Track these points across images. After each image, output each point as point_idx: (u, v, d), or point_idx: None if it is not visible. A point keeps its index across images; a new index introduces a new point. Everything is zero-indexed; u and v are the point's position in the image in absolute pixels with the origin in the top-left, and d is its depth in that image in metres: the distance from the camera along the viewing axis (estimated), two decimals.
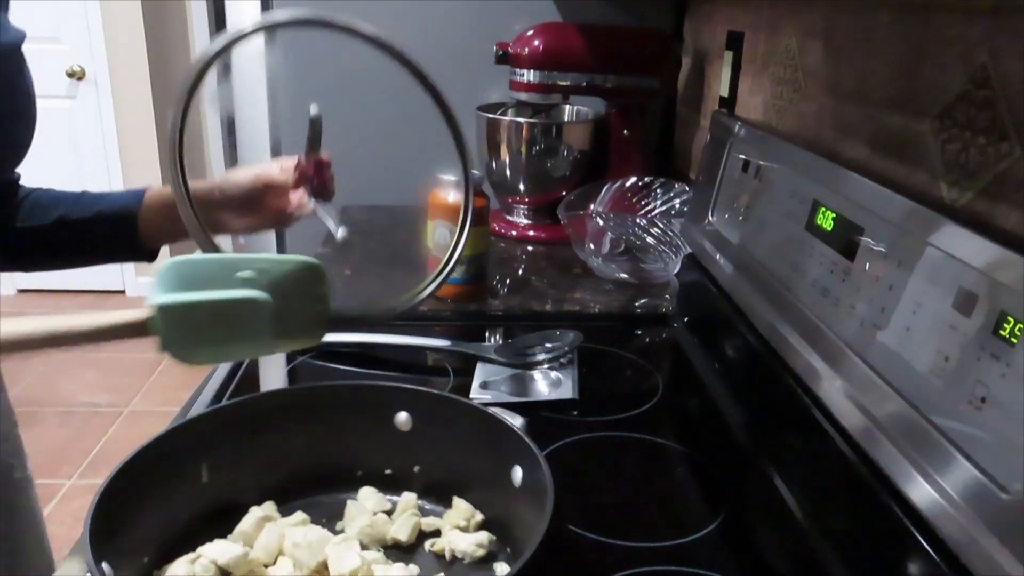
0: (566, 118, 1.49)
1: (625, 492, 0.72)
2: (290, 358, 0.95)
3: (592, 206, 1.26)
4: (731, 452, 0.79)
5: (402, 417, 0.66)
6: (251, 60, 1.48)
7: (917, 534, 0.54)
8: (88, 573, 0.46)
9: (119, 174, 3.51)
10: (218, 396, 0.84)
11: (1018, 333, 0.48)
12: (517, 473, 0.59)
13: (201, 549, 0.56)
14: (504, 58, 1.31)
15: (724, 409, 0.87)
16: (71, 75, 3.32)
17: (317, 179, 0.88)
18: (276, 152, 1.56)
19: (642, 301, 1.13)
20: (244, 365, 0.91)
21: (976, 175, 0.61)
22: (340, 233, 0.82)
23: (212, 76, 0.70)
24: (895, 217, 0.63)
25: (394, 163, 1.58)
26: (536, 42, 1.28)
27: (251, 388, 0.90)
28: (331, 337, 0.86)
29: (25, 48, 0.77)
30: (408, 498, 0.64)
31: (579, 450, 0.77)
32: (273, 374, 0.94)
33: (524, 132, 1.34)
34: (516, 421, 0.63)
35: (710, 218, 1.03)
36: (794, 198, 0.81)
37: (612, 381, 0.93)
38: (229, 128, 1.69)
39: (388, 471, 0.66)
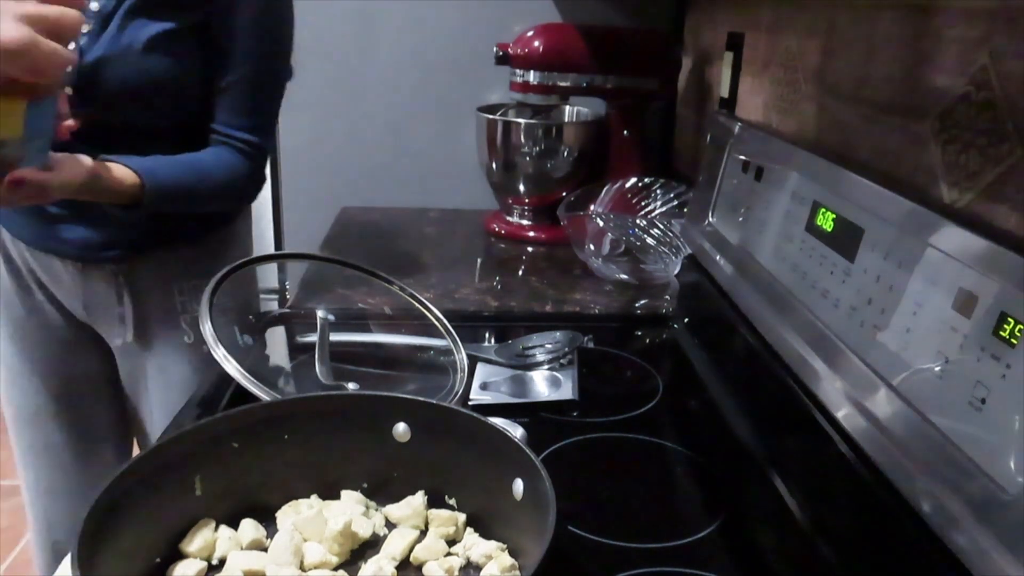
0: (566, 119, 1.49)
1: (625, 493, 0.72)
2: (292, 356, 0.96)
3: (592, 207, 1.26)
4: (731, 453, 0.79)
5: (400, 428, 0.65)
6: None
7: (917, 535, 0.54)
8: None
9: None
10: (217, 399, 0.83)
11: (1018, 334, 0.48)
12: (518, 486, 0.58)
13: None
14: (504, 59, 1.31)
15: (724, 410, 0.87)
16: None
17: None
18: (274, 154, 1.56)
19: (642, 302, 1.13)
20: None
21: (976, 176, 0.61)
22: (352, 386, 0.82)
23: None
24: (895, 218, 0.63)
25: (394, 164, 1.58)
26: (536, 43, 1.28)
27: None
28: (331, 337, 0.86)
29: None
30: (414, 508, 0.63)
31: (579, 451, 0.77)
32: (279, 371, 0.94)
33: (524, 133, 1.34)
34: (517, 432, 0.63)
35: (710, 219, 1.03)
36: (794, 199, 0.81)
37: (612, 382, 0.93)
38: None
39: (386, 483, 0.65)
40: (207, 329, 0.74)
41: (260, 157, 1.03)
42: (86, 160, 0.84)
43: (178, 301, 1.07)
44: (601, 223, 1.20)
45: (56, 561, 1.18)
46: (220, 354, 0.73)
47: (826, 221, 0.73)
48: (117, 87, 0.92)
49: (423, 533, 0.61)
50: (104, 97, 0.92)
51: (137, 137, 0.95)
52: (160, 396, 1.10)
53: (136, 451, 1.26)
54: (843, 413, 0.65)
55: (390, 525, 0.62)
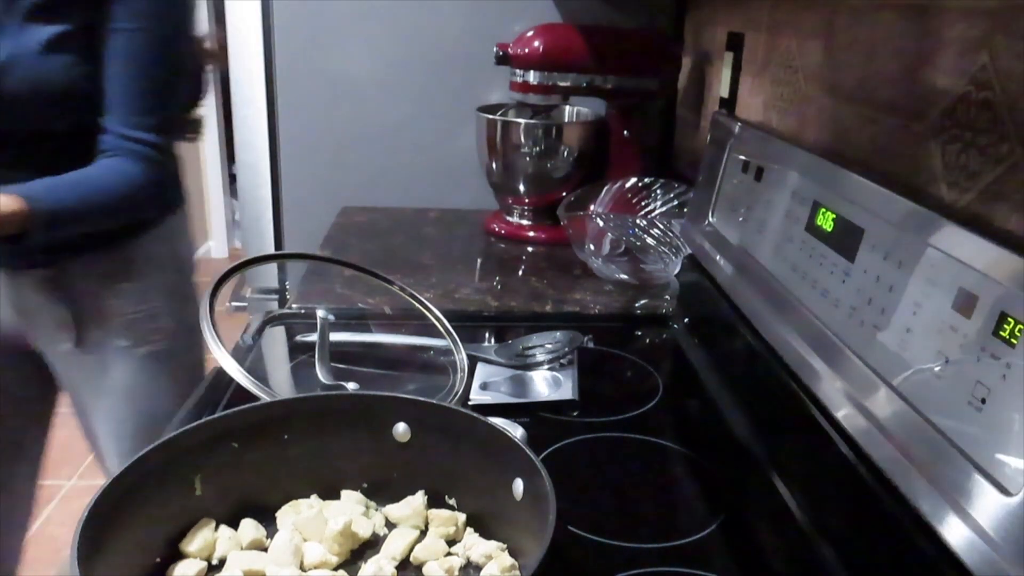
0: (566, 119, 1.49)
1: (625, 493, 0.72)
2: (292, 356, 0.96)
3: (592, 207, 1.26)
4: (731, 452, 0.79)
5: (400, 428, 0.64)
6: (250, 57, 1.48)
7: (917, 535, 0.54)
8: None
9: None
10: (217, 399, 0.84)
11: (1018, 334, 0.48)
12: (518, 486, 0.58)
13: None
14: (504, 59, 1.31)
15: (724, 410, 0.87)
16: None
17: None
18: (274, 154, 1.56)
19: (642, 302, 1.13)
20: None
21: (976, 176, 0.61)
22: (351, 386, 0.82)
23: None
24: (895, 218, 0.63)
25: (394, 164, 1.58)
26: (536, 43, 1.28)
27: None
28: (331, 337, 0.86)
29: None
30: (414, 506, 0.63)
31: (579, 451, 0.77)
32: (279, 371, 0.94)
33: (524, 133, 1.34)
34: (517, 432, 0.62)
35: (710, 219, 1.03)
36: (794, 199, 0.81)
37: (612, 382, 0.93)
38: (226, 124, 1.69)
39: (386, 483, 0.65)
40: (207, 329, 0.74)
41: (158, 158, 0.99)
42: None
43: (113, 304, 1.04)
44: (601, 223, 1.20)
45: None
46: (221, 354, 0.73)
47: (826, 221, 0.73)
48: (16, 92, 0.91)
49: (423, 533, 0.61)
50: (4, 103, 0.91)
51: (35, 145, 0.93)
52: (105, 402, 1.08)
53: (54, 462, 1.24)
54: (843, 413, 0.65)
55: (390, 525, 0.62)
